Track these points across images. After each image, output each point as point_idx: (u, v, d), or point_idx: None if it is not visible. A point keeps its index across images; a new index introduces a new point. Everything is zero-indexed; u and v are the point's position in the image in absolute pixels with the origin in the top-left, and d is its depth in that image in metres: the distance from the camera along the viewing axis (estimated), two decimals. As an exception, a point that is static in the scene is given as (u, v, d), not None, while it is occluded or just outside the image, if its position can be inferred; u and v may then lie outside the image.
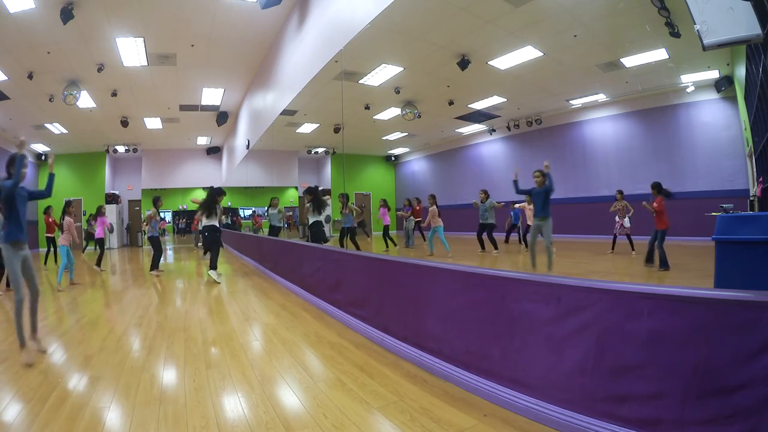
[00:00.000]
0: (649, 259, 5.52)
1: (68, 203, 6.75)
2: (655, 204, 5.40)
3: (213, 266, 6.27)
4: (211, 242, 6.47)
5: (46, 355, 2.80)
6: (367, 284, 3.32)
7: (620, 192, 7.04)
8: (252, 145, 10.04)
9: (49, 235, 8.24)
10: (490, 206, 7.88)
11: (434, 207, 7.90)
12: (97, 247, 7.83)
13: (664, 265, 5.17)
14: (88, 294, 5.34)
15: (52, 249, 8.60)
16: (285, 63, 7.02)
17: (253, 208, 17.06)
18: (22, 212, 2.75)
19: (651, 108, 9.50)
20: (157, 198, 7.20)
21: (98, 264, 7.62)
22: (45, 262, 8.77)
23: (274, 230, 8.89)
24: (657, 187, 5.54)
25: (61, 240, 6.10)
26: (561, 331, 1.75)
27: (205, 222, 6.55)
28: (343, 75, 7.30)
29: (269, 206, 8.99)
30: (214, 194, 6.59)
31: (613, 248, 7.22)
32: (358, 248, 7.42)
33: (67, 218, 6.24)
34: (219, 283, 6.00)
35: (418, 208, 9.39)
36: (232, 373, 2.44)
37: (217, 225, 6.57)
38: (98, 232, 7.80)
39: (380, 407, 1.96)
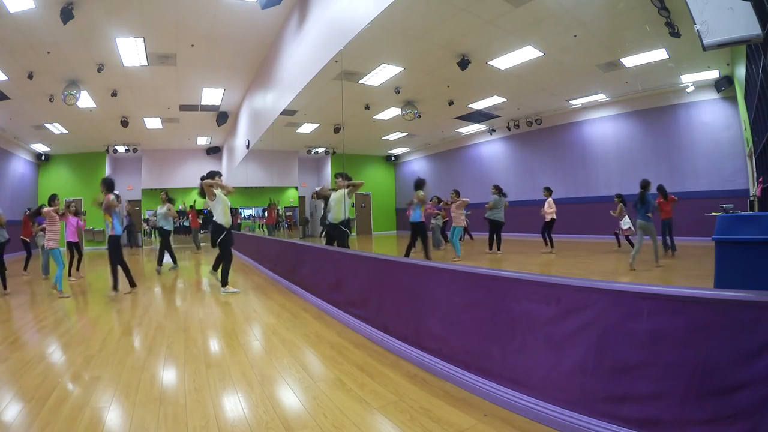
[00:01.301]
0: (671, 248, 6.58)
1: (52, 198, 5.54)
2: (672, 197, 6.63)
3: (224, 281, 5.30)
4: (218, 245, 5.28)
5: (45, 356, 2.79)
6: (367, 284, 3.32)
7: (618, 196, 7.18)
8: (252, 145, 10.05)
9: (25, 238, 7.51)
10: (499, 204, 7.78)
11: (461, 201, 7.28)
12: (75, 252, 6.74)
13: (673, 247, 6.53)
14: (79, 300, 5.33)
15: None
16: (285, 63, 7.02)
17: (263, 206, 15.79)
18: None
19: (651, 108, 9.50)
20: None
21: (76, 269, 6.82)
22: (25, 267, 7.66)
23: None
24: (662, 189, 6.71)
25: (48, 242, 5.20)
26: (561, 331, 1.75)
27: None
28: (343, 75, 7.29)
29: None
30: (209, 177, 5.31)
31: (619, 245, 7.56)
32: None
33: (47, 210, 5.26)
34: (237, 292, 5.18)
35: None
36: (232, 373, 2.43)
37: (220, 222, 5.24)
38: (69, 235, 6.54)
39: (380, 407, 1.96)
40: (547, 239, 7.80)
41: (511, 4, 5.63)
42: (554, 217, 7.86)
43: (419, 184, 6.46)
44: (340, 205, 5.26)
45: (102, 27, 6.48)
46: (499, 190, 7.92)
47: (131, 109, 10.56)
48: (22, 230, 7.64)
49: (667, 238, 6.54)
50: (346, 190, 5.28)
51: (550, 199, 7.98)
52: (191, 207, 13.45)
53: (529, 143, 12.46)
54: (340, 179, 5.34)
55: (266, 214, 15.23)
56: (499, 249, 7.83)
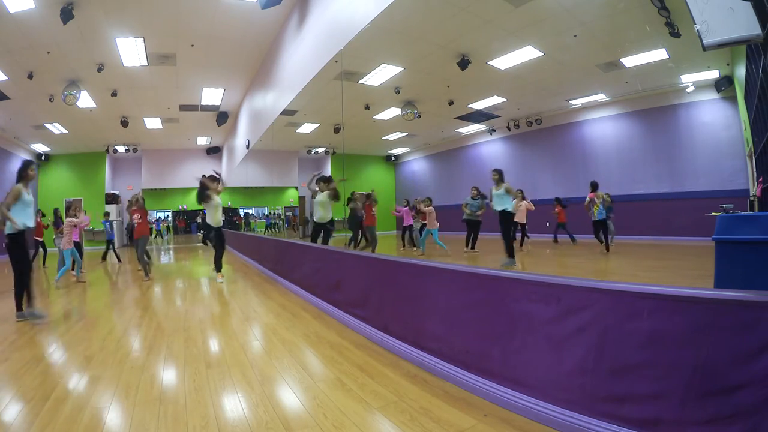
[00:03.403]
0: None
1: (68, 206, 6.41)
2: (557, 209, 9.13)
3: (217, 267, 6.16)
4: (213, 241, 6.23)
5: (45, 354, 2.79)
6: (367, 284, 3.32)
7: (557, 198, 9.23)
8: (252, 145, 10.05)
9: (38, 237, 8.19)
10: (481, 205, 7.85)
11: (431, 208, 7.83)
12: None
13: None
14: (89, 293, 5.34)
15: (41, 250, 8.65)
16: (285, 63, 7.02)
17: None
18: None
19: (651, 108, 9.51)
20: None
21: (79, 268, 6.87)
22: (43, 263, 8.75)
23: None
24: (558, 199, 9.16)
25: (64, 243, 5.92)
26: (561, 331, 1.75)
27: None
28: (343, 75, 7.30)
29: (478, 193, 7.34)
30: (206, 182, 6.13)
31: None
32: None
33: (69, 220, 6.12)
34: (221, 282, 5.95)
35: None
36: (232, 373, 2.43)
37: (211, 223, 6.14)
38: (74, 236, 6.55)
39: (380, 407, 1.96)
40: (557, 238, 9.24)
41: (511, 4, 5.63)
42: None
43: (595, 185, 7.54)
44: (327, 208, 6.01)
45: (102, 27, 6.48)
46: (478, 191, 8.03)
47: (131, 109, 10.57)
48: (35, 231, 7.93)
49: (567, 235, 9.04)
50: (327, 194, 5.97)
51: (525, 201, 8.12)
52: (135, 201, 6.79)
53: (529, 143, 12.47)
54: (322, 184, 6.07)
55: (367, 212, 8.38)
56: (473, 248, 7.92)
